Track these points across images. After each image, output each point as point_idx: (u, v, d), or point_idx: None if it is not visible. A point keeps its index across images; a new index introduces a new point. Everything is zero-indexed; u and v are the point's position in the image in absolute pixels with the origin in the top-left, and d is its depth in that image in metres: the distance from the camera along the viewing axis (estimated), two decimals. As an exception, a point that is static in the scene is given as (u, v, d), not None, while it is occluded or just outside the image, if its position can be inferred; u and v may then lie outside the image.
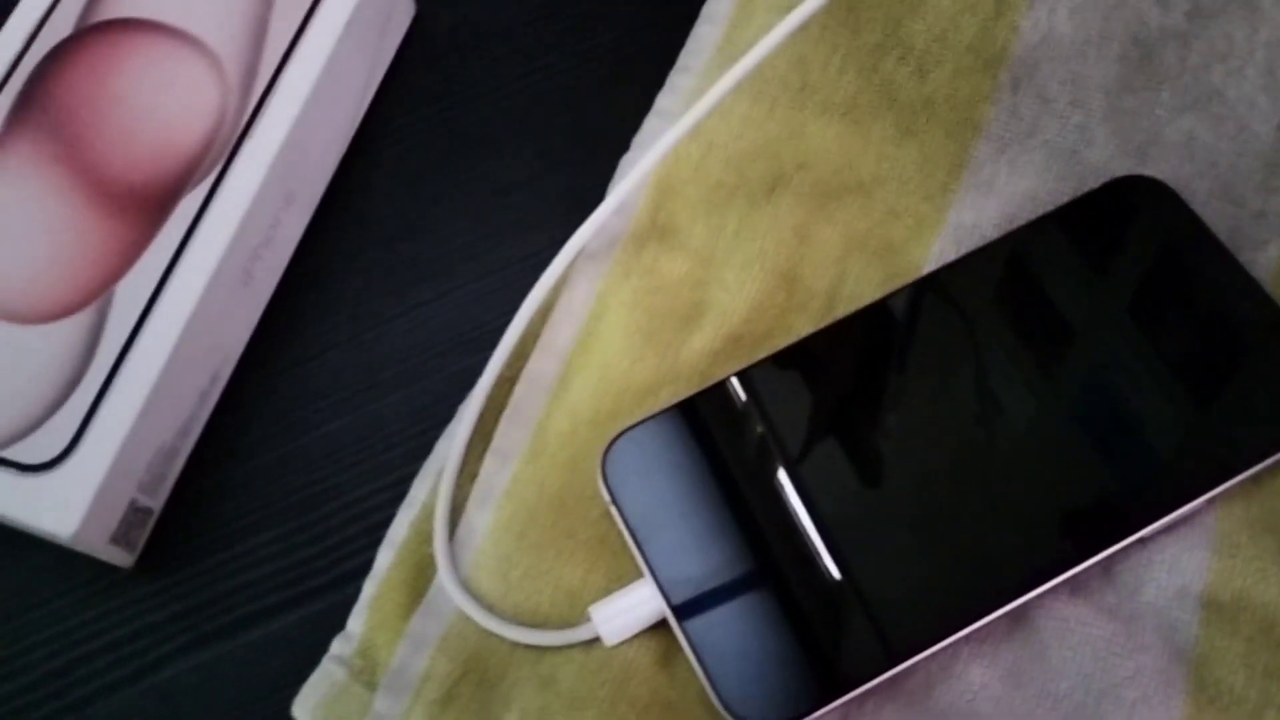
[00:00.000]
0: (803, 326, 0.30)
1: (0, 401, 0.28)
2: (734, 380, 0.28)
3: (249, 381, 0.31)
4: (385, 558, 0.28)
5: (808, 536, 0.26)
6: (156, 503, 0.30)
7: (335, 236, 0.33)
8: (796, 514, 0.27)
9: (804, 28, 0.33)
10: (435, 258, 0.33)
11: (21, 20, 0.33)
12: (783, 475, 0.27)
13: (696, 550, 0.26)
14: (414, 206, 0.33)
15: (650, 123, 0.33)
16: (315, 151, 0.33)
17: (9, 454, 0.27)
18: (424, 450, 0.30)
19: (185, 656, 0.28)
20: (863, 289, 0.30)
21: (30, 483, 0.27)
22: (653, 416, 0.28)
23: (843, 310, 0.30)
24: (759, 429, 0.28)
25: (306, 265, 0.33)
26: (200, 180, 0.30)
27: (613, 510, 0.27)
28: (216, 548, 0.30)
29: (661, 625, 0.26)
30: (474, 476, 0.29)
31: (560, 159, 0.34)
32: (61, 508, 0.27)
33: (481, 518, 0.28)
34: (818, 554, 0.26)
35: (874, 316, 0.29)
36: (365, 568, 0.29)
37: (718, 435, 0.28)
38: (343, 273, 0.33)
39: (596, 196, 0.33)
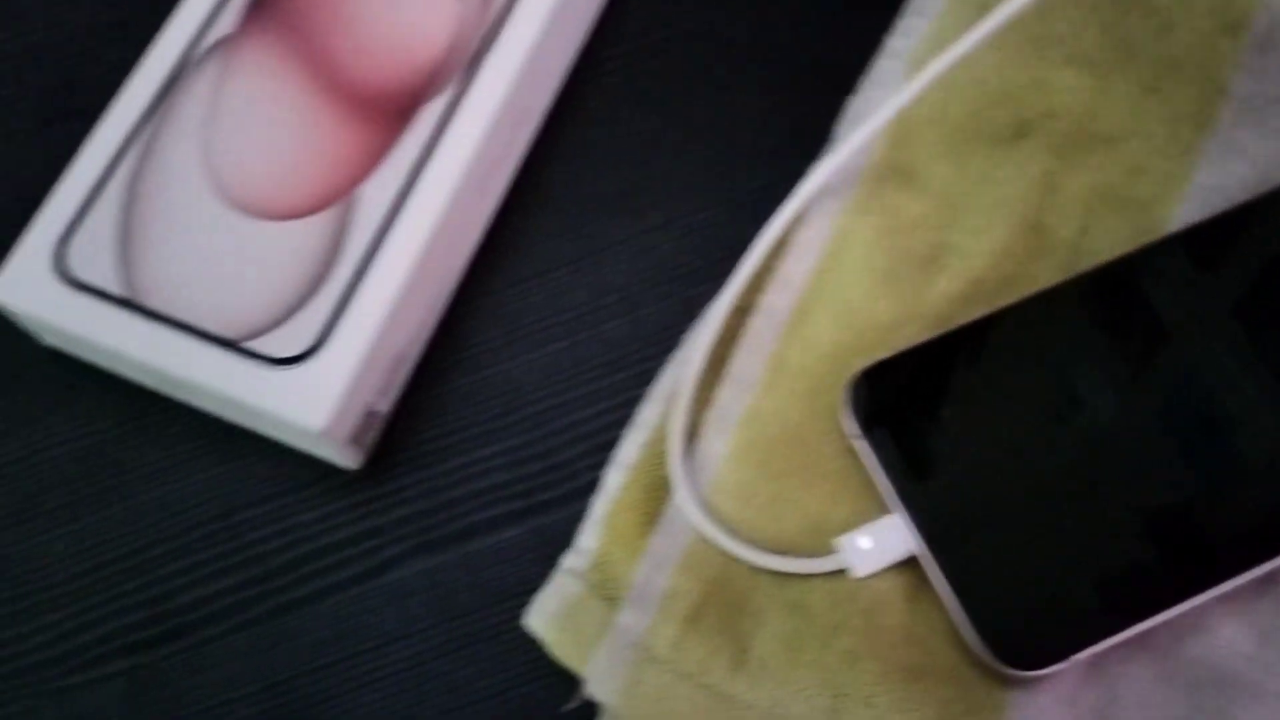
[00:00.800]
0: (1046, 275, 0.29)
1: (249, 294, 0.28)
2: (988, 321, 0.28)
3: (475, 294, 0.31)
4: (616, 478, 0.28)
5: (1074, 479, 0.26)
6: (386, 406, 0.30)
7: (562, 155, 0.33)
8: (1063, 455, 0.26)
9: (1048, -23, 0.32)
10: (662, 185, 0.32)
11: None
12: (1047, 416, 0.27)
13: (952, 488, 0.26)
14: (640, 132, 0.33)
15: (883, 64, 0.32)
16: (549, 67, 0.32)
17: (258, 346, 0.27)
18: (649, 376, 0.30)
19: (413, 560, 0.28)
20: (1108, 242, 0.30)
21: (279, 375, 0.27)
22: (902, 352, 0.28)
23: (1087, 262, 0.29)
24: (1016, 371, 0.27)
25: (532, 183, 0.32)
26: (441, 89, 0.30)
27: (858, 444, 0.27)
28: (443, 456, 0.29)
29: (909, 562, 0.26)
30: (707, 403, 0.29)
31: (786, 94, 0.33)
32: (311, 401, 0.27)
33: (718, 444, 0.28)
34: (1086, 496, 0.26)
35: (1127, 269, 0.28)
36: (590, 486, 0.29)
37: (971, 375, 0.27)
38: (569, 193, 0.32)
39: (822, 133, 0.33)
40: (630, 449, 0.28)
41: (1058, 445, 0.27)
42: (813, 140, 0.33)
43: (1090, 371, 0.27)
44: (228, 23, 0.31)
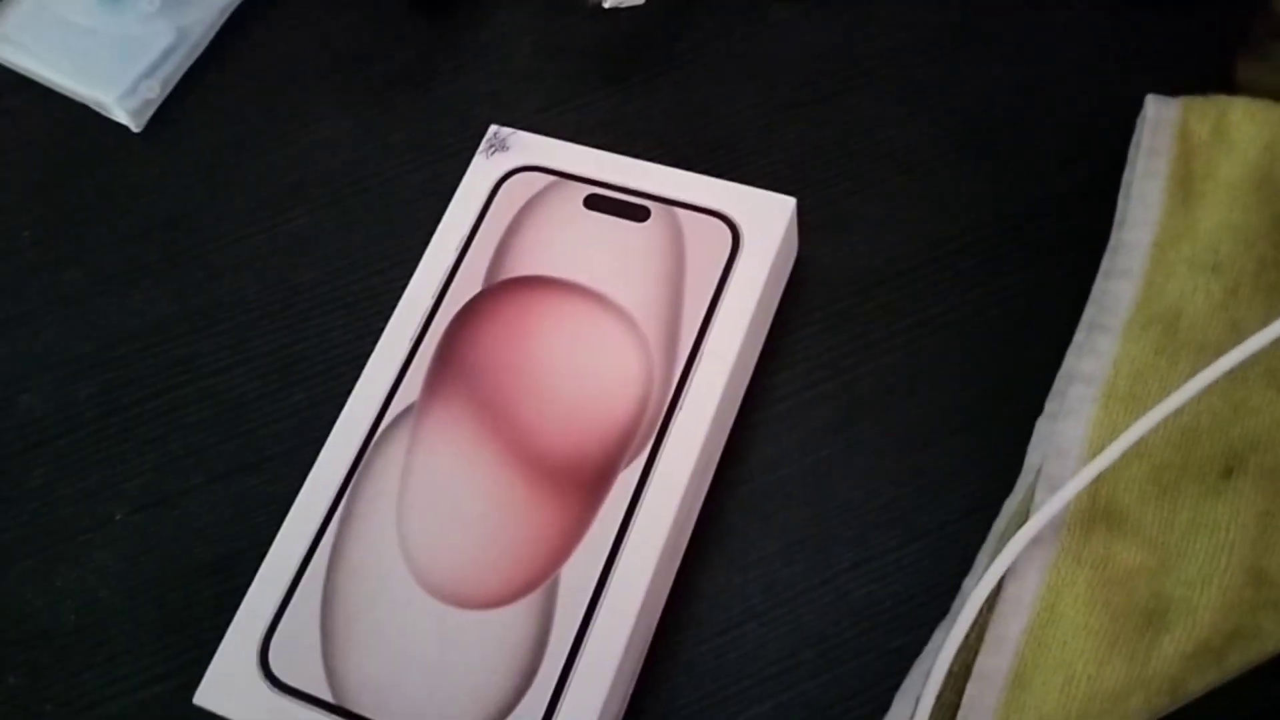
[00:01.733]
0: (1272, 625, 0.28)
1: (454, 696, 0.27)
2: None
3: (665, 655, 0.31)
4: None
5: None
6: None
7: (737, 499, 0.32)
8: None
9: (1234, 294, 0.32)
10: (844, 523, 0.32)
11: (429, 274, 0.33)
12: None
13: None
14: (812, 466, 0.33)
15: (1075, 389, 0.31)
16: (728, 415, 0.32)
17: (474, 755, 0.27)
18: (861, 742, 0.29)
19: None
20: (1335, 592, 0.28)
21: (498, 787, 0.27)
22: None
23: (1317, 611, 0.28)
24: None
25: (712, 530, 0.32)
26: (635, 455, 0.30)
27: (1106, 840, 0.26)
28: (656, 844, 0.29)
29: None
30: (931, 781, 0.28)
31: (960, 415, 0.33)
32: (534, 818, 0.26)
33: (951, 833, 0.27)
34: None
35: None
36: None
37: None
38: (750, 539, 0.32)
39: (1006, 458, 0.32)
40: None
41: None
42: (1003, 463, 0.32)
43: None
44: (413, 390, 0.31)
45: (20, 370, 0.36)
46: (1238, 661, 0.28)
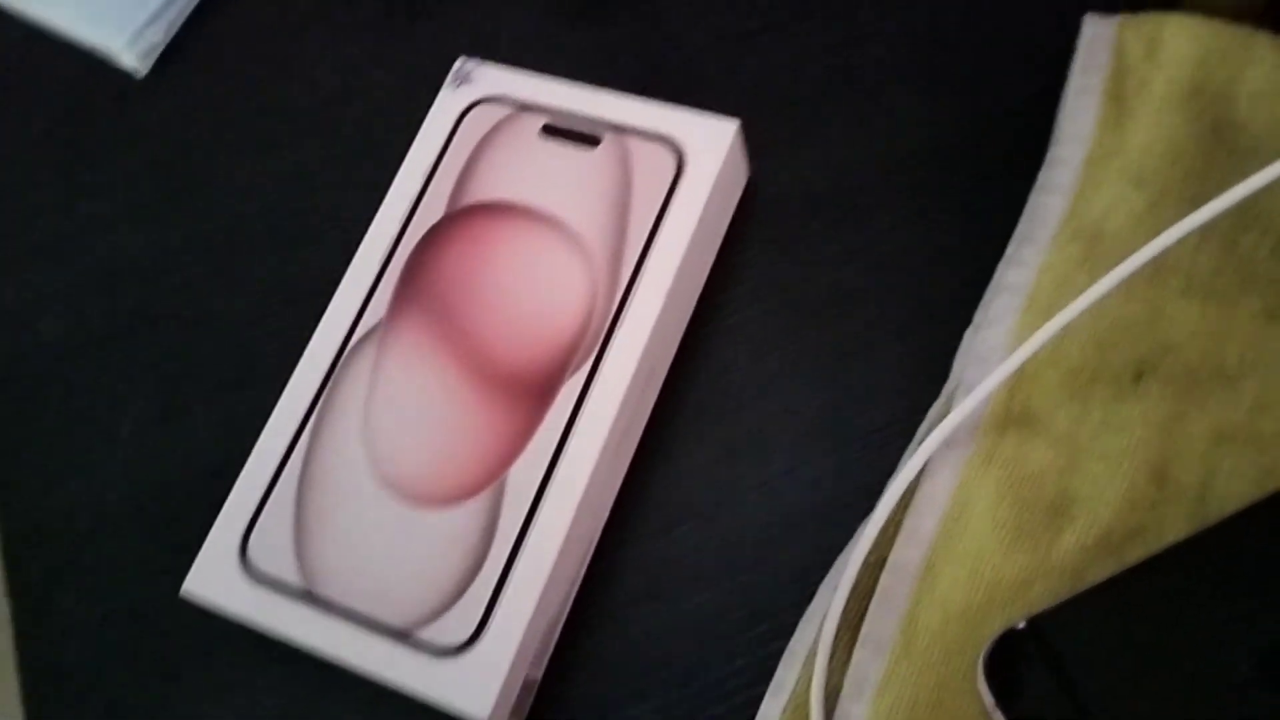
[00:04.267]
0: (1174, 523, 0.30)
1: (409, 584, 0.30)
2: (1120, 581, 0.28)
3: (612, 551, 0.33)
4: (760, 741, 0.29)
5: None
6: (539, 673, 0.32)
7: (684, 407, 0.35)
8: (1196, 735, 0.27)
9: (1157, 206, 0.33)
10: (783, 430, 0.34)
11: (396, 202, 0.35)
12: (1194, 683, 0.27)
13: (1092, 765, 0.27)
14: (756, 376, 0.35)
15: (1000, 300, 0.33)
16: (672, 327, 0.34)
17: (423, 636, 0.30)
18: (788, 628, 0.31)
19: (575, 826, 0.30)
20: (1236, 485, 0.30)
21: (443, 665, 0.29)
22: (1035, 617, 0.28)
23: (1215, 508, 0.30)
24: (1148, 637, 0.28)
25: (659, 436, 0.34)
26: (579, 365, 0.32)
27: (997, 714, 0.28)
28: (592, 717, 0.31)
29: (1053, 835, 0.27)
30: (844, 664, 0.30)
31: (899, 327, 0.35)
32: (476, 690, 0.29)
33: (858, 710, 0.29)
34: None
35: (1259, 519, 0.29)
36: (737, 745, 0.30)
37: (1108, 640, 0.28)
38: (694, 445, 0.34)
39: (938, 367, 0.34)
40: (771, 711, 0.30)
41: (1207, 713, 0.27)
42: (933, 374, 0.34)
43: (1235, 632, 0.27)
44: (379, 308, 0.34)
45: (43, 295, 0.40)
46: (1136, 554, 0.30)
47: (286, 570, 0.31)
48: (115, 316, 0.39)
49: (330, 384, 0.33)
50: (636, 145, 0.35)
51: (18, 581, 0.35)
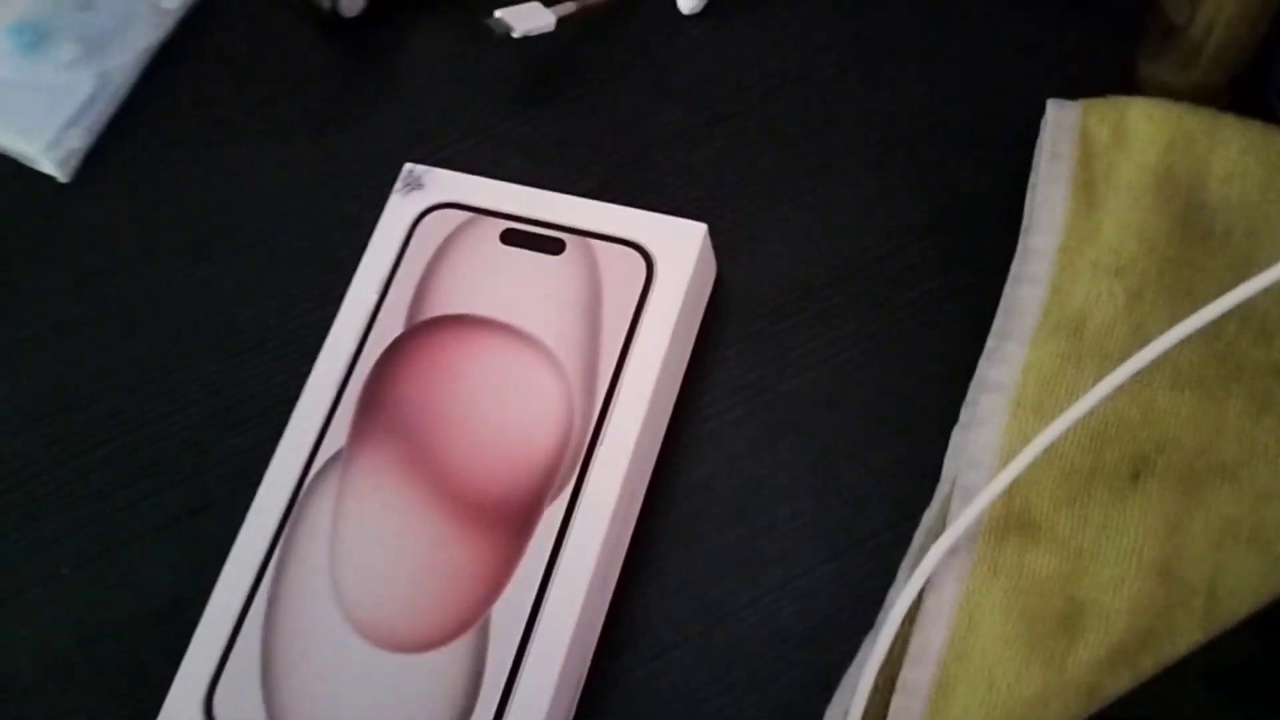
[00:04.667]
0: (1185, 624, 0.29)
1: (394, 738, 0.28)
2: (1133, 698, 0.28)
3: (601, 679, 0.31)
4: None
5: None
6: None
7: (668, 522, 0.33)
8: None
9: (1138, 298, 0.32)
10: (774, 540, 0.32)
11: (351, 315, 0.33)
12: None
13: None
14: (739, 485, 0.33)
15: (986, 398, 0.32)
16: (651, 440, 0.33)
17: (411, 797, 0.28)
18: (793, 758, 0.30)
19: None
20: (1245, 580, 0.29)
21: (436, 828, 0.27)
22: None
23: (1225, 606, 0.29)
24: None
25: (645, 554, 0.33)
26: (559, 490, 0.30)
27: (1024, 843, 0.27)
28: None
29: None
30: (860, 794, 0.28)
31: (882, 426, 0.34)
32: None
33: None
34: None
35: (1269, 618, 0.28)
36: None
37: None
38: (681, 558, 0.32)
39: (925, 467, 0.33)
40: None
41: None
42: (921, 473, 0.33)
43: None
44: (340, 434, 0.32)
45: (-42, 430, 0.37)
46: (1151, 663, 0.29)
47: (254, 728, 0.29)
48: (45, 445, 0.36)
49: (291, 520, 0.31)
50: (603, 250, 0.33)
51: (-53, 750, 0.32)
